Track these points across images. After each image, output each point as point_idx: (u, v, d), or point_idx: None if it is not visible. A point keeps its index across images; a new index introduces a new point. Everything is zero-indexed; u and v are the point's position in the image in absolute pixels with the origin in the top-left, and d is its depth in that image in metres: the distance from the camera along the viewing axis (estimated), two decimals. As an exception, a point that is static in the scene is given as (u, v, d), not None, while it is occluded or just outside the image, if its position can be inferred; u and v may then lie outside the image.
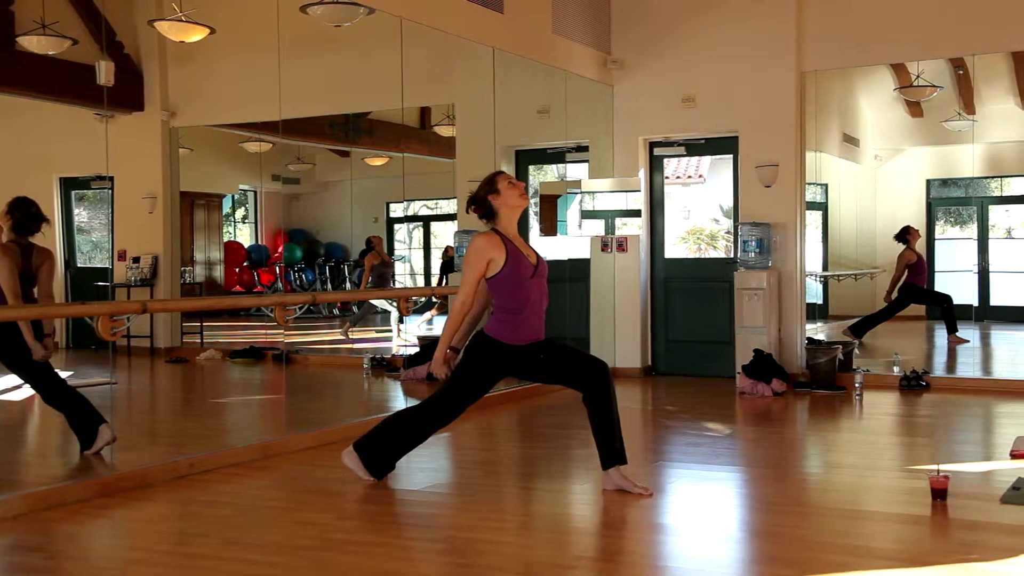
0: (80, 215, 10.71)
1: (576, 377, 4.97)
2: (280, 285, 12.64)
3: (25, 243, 5.77)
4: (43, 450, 6.66)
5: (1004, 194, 10.85)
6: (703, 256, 13.16)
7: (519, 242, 4.99)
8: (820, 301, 10.36)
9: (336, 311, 12.74)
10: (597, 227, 9.89)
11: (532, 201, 9.92)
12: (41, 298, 5.79)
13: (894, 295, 10.23)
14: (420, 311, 11.28)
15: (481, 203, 4.98)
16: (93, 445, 5.69)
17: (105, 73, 7.01)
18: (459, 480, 5.70)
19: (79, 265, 10.46)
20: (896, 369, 8.87)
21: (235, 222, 13.26)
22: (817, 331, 9.66)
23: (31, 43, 8.25)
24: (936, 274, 10.63)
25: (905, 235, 10.20)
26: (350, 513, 4.84)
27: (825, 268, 10.65)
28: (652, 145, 9.76)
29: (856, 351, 9.28)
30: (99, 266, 10.60)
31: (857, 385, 8.14)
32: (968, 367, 9.62)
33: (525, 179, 10.21)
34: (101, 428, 5.70)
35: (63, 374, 5.97)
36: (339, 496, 5.04)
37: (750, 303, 8.75)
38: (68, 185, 10.37)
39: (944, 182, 10.99)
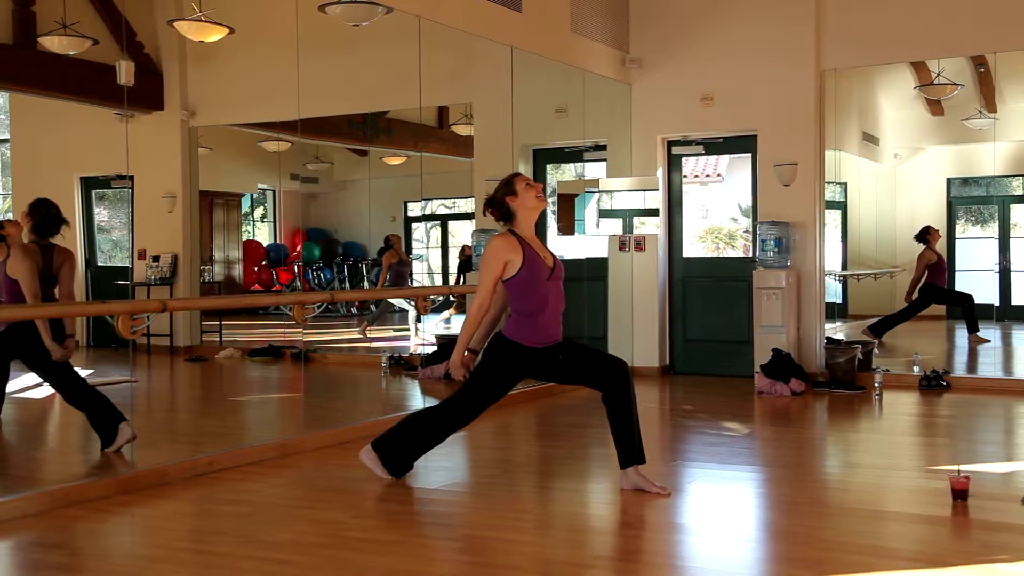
0: (100, 214, 10.77)
1: (596, 376, 4.96)
2: (298, 284, 12.68)
3: (46, 244, 5.81)
4: (64, 448, 6.70)
5: (1026, 193, 10.76)
6: (721, 255, 13.10)
7: (536, 244, 4.98)
8: (839, 300, 10.30)
9: (354, 310, 12.77)
10: (615, 226, 9.87)
11: (550, 201, 9.91)
12: (62, 298, 5.83)
13: (914, 295, 10.17)
14: (438, 310, 11.29)
15: (499, 205, 4.97)
16: (113, 443, 5.73)
17: (125, 73, 7.05)
18: (477, 479, 5.71)
19: (99, 264, 10.53)
20: (916, 369, 8.82)
21: (254, 221, 13.31)
22: (836, 331, 9.61)
23: (52, 43, 8.30)
24: (957, 273, 10.56)
25: (925, 235, 10.14)
26: (368, 511, 4.85)
27: (844, 267, 10.60)
28: (670, 144, 9.74)
29: (875, 351, 9.23)
30: (119, 265, 10.66)
31: (876, 385, 8.10)
32: (989, 367, 9.55)
33: (543, 178, 10.20)
34: (121, 426, 5.74)
35: (83, 373, 6.01)
36: (357, 494, 5.05)
37: (769, 302, 8.72)
38: (89, 184, 10.43)
39: (965, 181, 10.91)
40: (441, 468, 5.60)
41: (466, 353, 5.02)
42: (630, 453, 4.92)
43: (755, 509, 4.98)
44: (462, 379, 5.02)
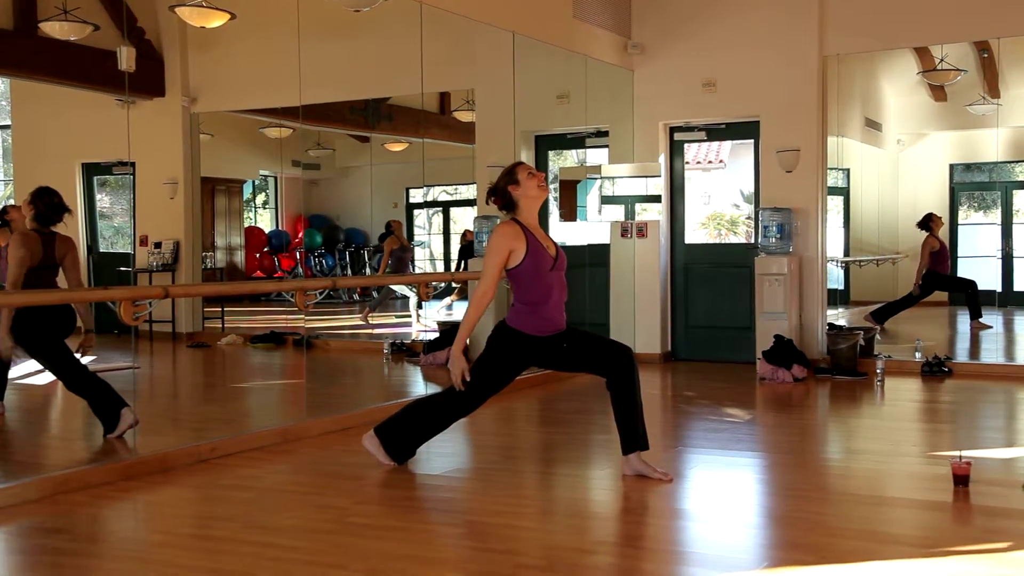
0: (102, 200, 10.77)
1: (600, 363, 4.96)
2: (300, 270, 12.68)
3: (47, 232, 5.81)
4: (66, 434, 6.72)
5: (1029, 179, 10.74)
6: (723, 241, 13.11)
7: (539, 233, 4.98)
8: (841, 287, 10.30)
9: (356, 296, 12.78)
10: (617, 212, 9.86)
11: (552, 188, 9.89)
12: (71, 287, 5.84)
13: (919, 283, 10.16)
14: (439, 296, 11.30)
15: (501, 194, 4.97)
16: (116, 429, 5.74)
17: (126, 59, 7.03)
18: (479, 465, 5.72)
19: (101, 250, 10.53)
20: (918, 355, 8.82)
21: (255, 208, 13.30)
22: (838, 317, 9.62)
23: (53, 29, 8.29)
24: (959, 260, 10.55)
25: (928, 222, 10.12)
26: (370, 497, 4.86)
27: (846, 253, 10.59)
28: (672, 130, 9.72)
29: (877, 337, 9.23)
30: (121, 251, 10.67)
31: (878, 371, 8.10)
32: (991, 353, 9.55)
33: (545, 165, 10.19)
34: (123, 412, 5.74)
35: (85, 359, 6.01)
36: (359, 480, 5.06)
37: (771, 289, 8.71)
38: (91, 171, 10.43)
39: (968, 167, 10.88)
40: (443, 454, 5.61)
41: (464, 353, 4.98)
42: (633, 439, 4.92)
43: (757, 495, 4.99)
44: (459, 381, 4.93)
